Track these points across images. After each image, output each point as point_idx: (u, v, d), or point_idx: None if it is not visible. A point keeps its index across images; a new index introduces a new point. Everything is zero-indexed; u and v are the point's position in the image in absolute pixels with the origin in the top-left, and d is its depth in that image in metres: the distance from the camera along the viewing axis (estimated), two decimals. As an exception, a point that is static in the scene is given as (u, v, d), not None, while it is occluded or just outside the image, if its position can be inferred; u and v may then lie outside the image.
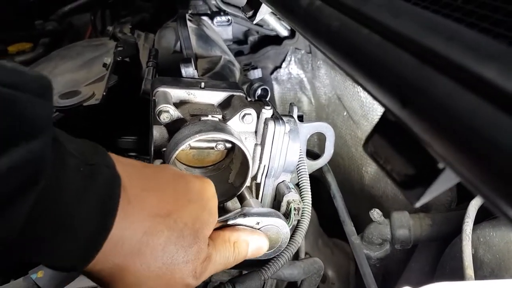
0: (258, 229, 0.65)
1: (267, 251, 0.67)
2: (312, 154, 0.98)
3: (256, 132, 0.78)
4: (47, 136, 0.36)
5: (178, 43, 1.11)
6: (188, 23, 1.18)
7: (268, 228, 0.67)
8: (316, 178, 1.07)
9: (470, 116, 0.24)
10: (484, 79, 0.24)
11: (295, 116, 0.85)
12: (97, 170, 0.42)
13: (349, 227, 1.01)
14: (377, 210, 1.02)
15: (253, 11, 0.77)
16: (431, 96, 0.26)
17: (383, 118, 0.39)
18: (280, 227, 0.68)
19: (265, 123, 0.75)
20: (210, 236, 0.53)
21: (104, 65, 0.99)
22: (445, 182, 0.31)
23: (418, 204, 0.35)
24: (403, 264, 1.10)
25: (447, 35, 0.27)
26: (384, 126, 0.38)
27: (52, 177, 0.37)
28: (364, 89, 0.37)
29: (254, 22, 0.77)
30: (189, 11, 1.35)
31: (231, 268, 0.81)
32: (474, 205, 0.82)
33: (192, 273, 0.47)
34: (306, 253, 1.22)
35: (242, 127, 0.77)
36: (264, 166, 0.77)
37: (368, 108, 1.30)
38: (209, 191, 0.58)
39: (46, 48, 2.04)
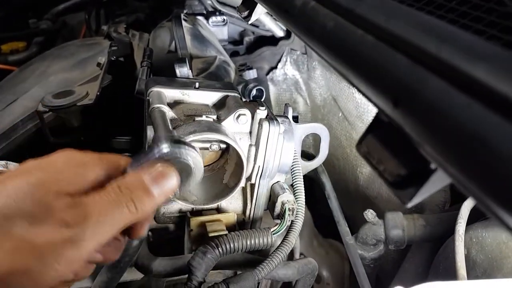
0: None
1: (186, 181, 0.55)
2: (307, 155, 0.98)
3: (250, 132, 0.78)
4: None
5: (173, 43, 1.11)
6: (183, 22, 1.18)
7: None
8: (311, 179, 1.07)
9: (461, 116, 0.24)
10: (476, 80, 0.24)
11: (290, 116, 0.85)
12: None
13: (344, 227, 1.01)
14: (371, 210, 1.02)
15: (248, 11, 0.77)
16: (423, 96, 0.27)
17: (376, 118, 0.39)
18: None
19: (260, 124, 0.75)
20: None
21: (98, 64, 0.98)
22: (436, 183, 0.31)
23: (410, 205, 0.35)
24: (397, 265, 1.11)
25: (439, 36, 0.28)
26: (377, 127, 0.38)
27: None
28: (358, 89, 0.37)
29: (250, 22, 0.77)
30: (184, 11, 1.35)
31: (225, 268, 0.82)
32: (467, 206, 0.83)
33: (59, 223, 0.41)
34: (301, 254, 1.23)
35: (237, 127, 0.76)
36: (259, 166, 0.77)
37: (363, 109, 1.30)
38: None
39: (39, 47, 2.03)
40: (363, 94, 0.36)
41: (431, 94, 0.26)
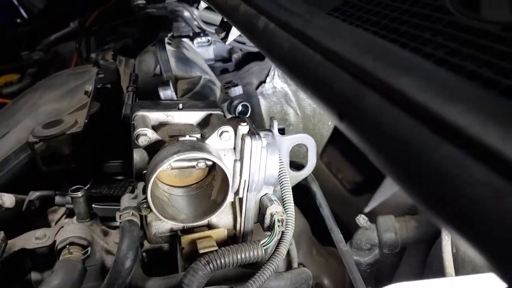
0: None
1: None
2: (297, 165, 1.00)
3: (234, 148, 0.80)
4: None
5: (158, 66, 1.14)
6: (167, 46, 1.21)
7: None
8: (306, 188, 1.09)
9: (393, 127, 0.26)
10: (403, 93, 0.26)
11: (276, 129, 0.87)
12: None
13: (337, 235, 1.02)
14: (362, 216, 1.03)
15: (225, 32, 0.80)
16: (362, 110, 0.29)
17: (335, 130, 0.41)
18: None
19: (242, 139, 0.77)
20: None
21: (86, 92, 1.01)
22: (388, 188, 0.33)
23: (367, 210, 0.37)
24: (395, 268, 1.11)
25: (375, 54, 0.30)
26: (336, 138, 0.40)
27: None
28: (315, 103, 0.39)
29: (227, 43, 0.79)
30: (169, 34, 1.39)
31: (217, 284, 0.83)
32: (453, 205, 0.84)
33: None
34: (299, 264, 1.23)
35: (221, 144, 0.79)
36: (245, 180, 0.79)
37: (350, 117, 1.32)
38: None
39: (33, 77, 2.07)
40: (320, 108, 0.38)
41: (368, 108, 0.28)
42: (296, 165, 1.00)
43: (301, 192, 1.04)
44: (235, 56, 1.82)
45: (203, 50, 1.44)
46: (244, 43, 1.74)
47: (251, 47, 1.75)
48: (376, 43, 0.32)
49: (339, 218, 1.06)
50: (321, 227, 1.36)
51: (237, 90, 1.13)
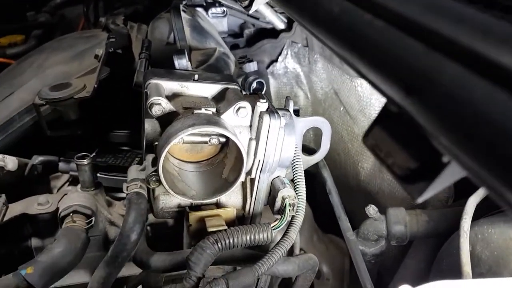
0: None
1: None
2: (308, 150, 0.96)
3: (250, 126, 0.76)
4: None
5: (172, 34, 1.09)
6: (182, 14, 1.16)
7: None
8: (311, 174, 1.06)
9: (483, 104, 0.22)
10: (497, 64, 0.22)
11: (291, 110, 0.83)
12: None
13: (345, 223, 1.00)
14: (373, 206, 1.01)
15: (249, 0, 0.75)
16: (439, 84, 0.25)
17: (384, 109, 0.37)
18: None
19: (260, 117, 0.73)
20: None
21: (96, 56, 0.96)
22: (449, 177, 0.29)
23: (420, 200, 0.33)
24: (398, 261, 1.09)
25: (455, 18, 0.26)
26: (386, 118, 0.36)
27: None
28: (365, 77, 0.35)
29: (250, 11, 0.75)
30: (184, 2, 1.33)
31: (224, 264, 0.80)
32: (473, 201, 0.81)
33: None
34: (301, 249, 1.21)
35: (237, 120, 0.75)
36: (259, 161, 0.76)
37: (366, 103, 1.28)
38: None
39: (38, 40, 2.01)
40: (371, 83, 0.34)
41: (448, 81, 0.24)
42: (306, 149, 0.96)
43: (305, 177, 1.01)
44: (247, 32, 1.75)
45: (217, 22, 1.38)
46: (257, 18, 1.67)
47: (264, 23, 1.69)
48: (452, 6, 0.28)
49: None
50: (323, 214, 1.34)
51: (252, 66, 1.08)
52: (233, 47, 1.69)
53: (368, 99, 1.28)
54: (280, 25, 1.63)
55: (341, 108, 1.48)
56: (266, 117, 0.72)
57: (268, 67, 1.72)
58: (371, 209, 1.00)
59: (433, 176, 0.30)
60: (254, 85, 1.03)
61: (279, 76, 1.74)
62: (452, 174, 0.29)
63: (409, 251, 1.06)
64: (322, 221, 1.51)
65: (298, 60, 1.68)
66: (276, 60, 1.71)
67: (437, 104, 0.25)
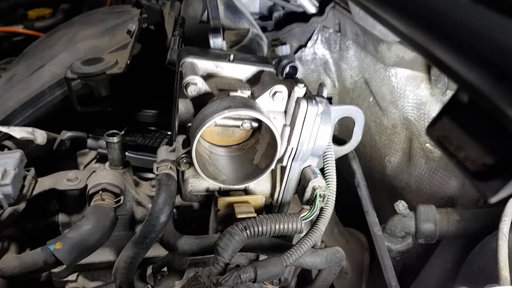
0: None
1: None
2: (337, 140, 0.93)
3: (285, 112, 0.73)
4: None
5: (205, 12, 1.06)
6: (216, -8, 1.12)
7: None
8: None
9: None
10: None
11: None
12: None
13: (372, 217, 0.97)
14: (402, 202, 0.97)
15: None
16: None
17: (453, 99, 0.34)
18: None
19: (297, 103, 0.70)
20: None
21: (128, 32, 0.94)
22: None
23: (494, 199, 0.30)
24: (421, 259, 1.06)
25: None
26: (457, 108, 0.33)
27: None
28: (437, 61, 0.32)
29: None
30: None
31: (250, 251, 0.79)
32: (513, 203, 0.77)
33: None
34: (322, 241, 1.19)
35: (272, 105, 0.72)
36: (292, 148, 0.73)
37: (399, 94, 1.23)
38: None
39: (65, 14, 2.00)
40: (446, 68, 0.31)
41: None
42: (335, 139, 0.93)
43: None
44: (276, 15, 1.69)
45: (248, 2, 1.34)
46: (288, 1, 1.62)
47: (294, 6, 1.63)
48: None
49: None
50: (344, 207, 1.31)
51: (285, 49, 1.04)
52: (262, 30, 1.65)
53: (402, 91, 1.23)
54: (311, 9, 1.58)
55: (371, 99, 1.43)
56: (303, 103, 0.69)
57: (296, 52, 1.68)
58: (401, 205, 0.96)
59: (508, 175, 0.27)
60: (287, 69, 1.00)
61: (307, 62, 1.69)
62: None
63: (436, 250, 1.02)
64: (342, 214, 1.48)
65: (328, 46, 1.63)
66: (305, 45, 1.66)
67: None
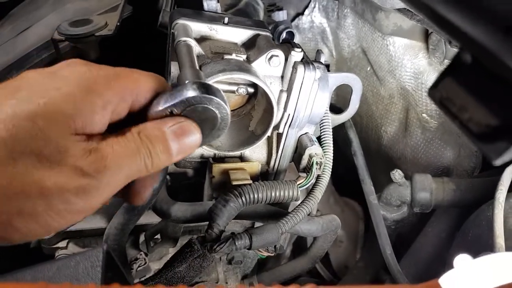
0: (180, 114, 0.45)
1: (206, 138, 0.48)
2: (334, 108, 0.91)
3: (282, 77, 0.71)
4: None
5: (199, -26, 1.01)
6: (210, -47, 1.07)
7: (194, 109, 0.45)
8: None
9: None
10: None
11: (323, 63, 0.78)
12: None
13: (368, 186, 0.97)
14: (399, 171, 0.97)
15: None
16: None
17: (456, 59, 0.32)
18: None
19: (294, 67, 0.68)
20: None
21: (118, -7, 0.90)
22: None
23: (499, 162, 0.29)
24: (415, 228, 1.07)
25: None
26: (460, 68, 0.31)
27: None
28: (438, 18, 0.30)
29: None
30: None
31: (246, 219, 0.78)
32: (509, 172, 0.77)
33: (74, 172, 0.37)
34: (317, 210, 1.20)
35: (268, 70, 0.70)
36: (289, 115, 0.71)
37: (397, 63, 1.21)
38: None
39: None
40: (446, 24, 0.28)
41: None
42: (332, 108, 0.91)
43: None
44: (273, -20, 1.64)
45: (244, -34, 1.28)
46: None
47: (292, -27, 1.57)
48: None
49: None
50: (339, 176, 1.31)
51: (282, 15, 1.01)
52: (258, -4, 1.59)
53: (399, 60, 1.20)
54: (310, -26, 1.52)
55: (368, 68, 1.41)
56: (300, 68, 0.67)
57: (293, 20, 1.63)
58: (397, 174, 0.96)
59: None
60: (284, 35, 0.97)
61: (304, 30, 1.64)
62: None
63: (430, 219, 1.03)
64: (338, 183, 1.49)
65: (325, 14, 1.58)
66: (302, 13, 1.62)
67: None
